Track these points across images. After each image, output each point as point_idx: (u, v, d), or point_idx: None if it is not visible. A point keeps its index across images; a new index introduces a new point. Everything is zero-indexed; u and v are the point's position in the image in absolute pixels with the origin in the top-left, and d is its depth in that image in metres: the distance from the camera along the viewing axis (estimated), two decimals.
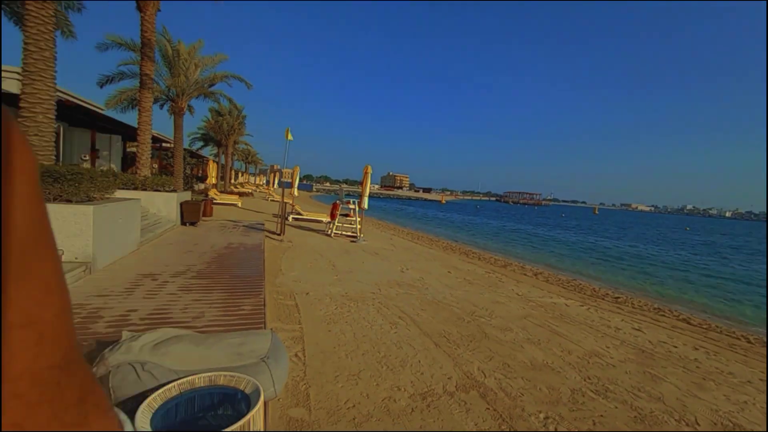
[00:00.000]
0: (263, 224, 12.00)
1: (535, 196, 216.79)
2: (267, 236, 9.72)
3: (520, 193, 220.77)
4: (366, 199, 11.45)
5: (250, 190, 33.79)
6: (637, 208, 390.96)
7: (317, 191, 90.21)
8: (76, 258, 4.83)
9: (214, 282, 4.95)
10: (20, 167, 0.24)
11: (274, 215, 17.37)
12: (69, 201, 5.03)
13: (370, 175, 11.43)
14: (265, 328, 3.63)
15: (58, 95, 14.79)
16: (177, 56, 13.92)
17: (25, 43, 5.12)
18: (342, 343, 3.90)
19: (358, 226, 12.09)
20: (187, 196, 10.72)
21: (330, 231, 12.24)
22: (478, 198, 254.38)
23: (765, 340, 6.11)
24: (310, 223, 15.53)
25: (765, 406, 3.56)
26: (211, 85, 15.70)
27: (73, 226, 4.79)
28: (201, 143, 33.67)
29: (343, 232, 12.45)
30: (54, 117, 5.46)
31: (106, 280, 4.70)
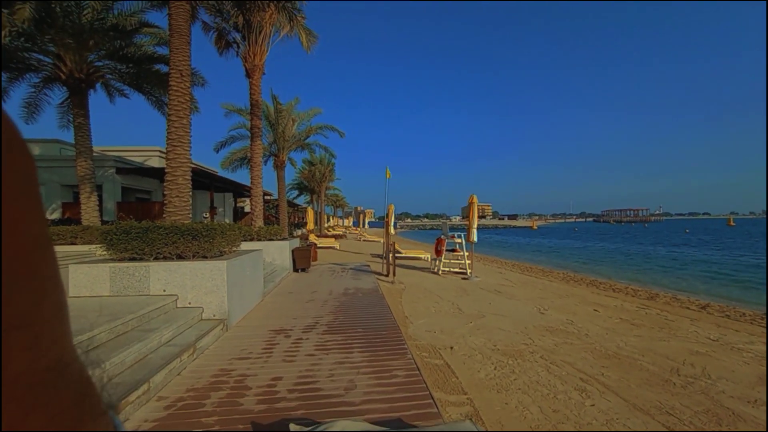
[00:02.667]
0: (369, 266, 11.68)
1: (640, 211, 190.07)
2: (378, 279, 9.23)
3: (621, 210, 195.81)
4: (475, 232, 10.44)
5: (341, 232, 35.01)
6: None
7: (401, 228, 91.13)
8: (214, 315, 4.71)
9: (349, 337, 4.38)
10: (19, 169, 0.24)
11: (372, 255, 17.21)
12: (205, 257, 5.05)
13: (476, 204, 10.48)
14: (432, 400, 2.83)
15: None
16: (278, 115, 15.14)
17: (168, 114, 5.57)
18: (534, 424, 2.90)
19: (468, 262, 11.04)
20: (296, 243, 10.94)
21: (436, 268, 11.39)
22: (572, 220, 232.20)
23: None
24: (409, 260, 14.90)
25: None
26: (306, 137, 16.73)
27: (209, 282, 4.72)
28: (296, 192, 36.45)
29: (451, 269, 11.49)
30: (190, 179, 5.76)
31: (243, 338, 4.43)
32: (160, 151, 19.17)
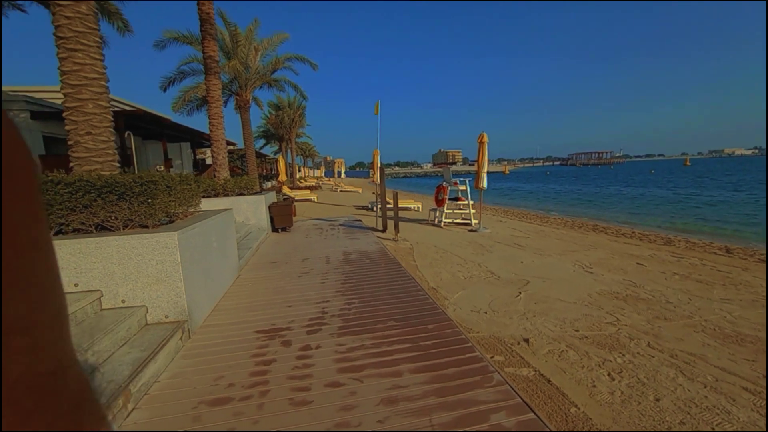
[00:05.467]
0: (360, 220, 10.09)
1: (604, 154, 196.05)
2: (377, 237, 7.70)
3: (586, 153, 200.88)
4: (485, 177, 8.94)
5: (314, 183, 32.86)
6: (733, 153, 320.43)
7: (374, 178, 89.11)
8: (166, 317, 3.03)
9: (384, 341, 2.88)
10: (19, 170, 0.24)
11: (356, 207, 15.60)
12: (144, 226, 3.25)
13: (486, 144, 8.87)
14: None
15: (125, 107, 13.72)
16: (235, 41, 12.31)
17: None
18: None
19: (472, 211, 9.68)
20: (272, 197, 9.07)
21: (437, 220, 9.99)
22: (540, 164, 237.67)
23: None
24: (400, 211, 13.42)
25: None
26: (273, 71, 14.01)
27: (153, 265, 2.97)
28: (262, 141, 33.29)
29: (454, 220, 10.13)
30: (109, 107, 3.72)
31: (215, 354, 2.82)
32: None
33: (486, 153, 8.85)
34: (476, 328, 3.47)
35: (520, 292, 4.54)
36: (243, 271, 5.11)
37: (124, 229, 3.18)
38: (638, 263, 6.32)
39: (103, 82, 3.60)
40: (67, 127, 3.46)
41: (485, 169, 8.90)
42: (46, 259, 0.26)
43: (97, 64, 3.51)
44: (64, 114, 3.46)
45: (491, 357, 2.87)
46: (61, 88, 3.43)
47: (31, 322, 0.25)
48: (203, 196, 7.25)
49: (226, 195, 7.75)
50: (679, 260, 6.68)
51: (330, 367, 2.53)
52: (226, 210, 4.70)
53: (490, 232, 8.85)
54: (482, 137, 8.82)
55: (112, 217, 3.10)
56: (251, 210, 7.69)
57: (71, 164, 3.51)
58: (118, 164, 3.77)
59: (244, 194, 7.92)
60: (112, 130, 3.71)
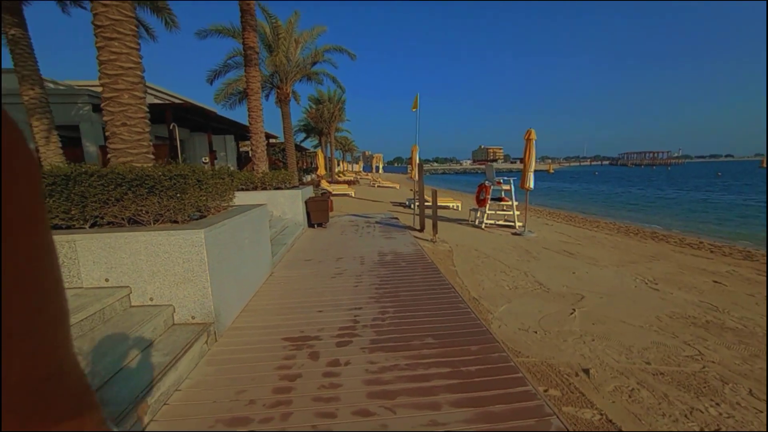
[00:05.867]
0: (397, 218, 9.78)
1: (659, 154, 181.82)
2: (414, 237, 7.35)
3: (639, 153, 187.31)
4: (531, 176, 8.30)
5: (353, 178, 32.97)
6: None
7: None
8: (192, 317, 2.90)
9: (420, 362, 2.56)
10: (21, 171, 0.24)
11: (393, 203, 15.32)
12: (175, 221, 3.14)
13: (534, 142, 8.21)
14: None
15: (174, 100, 14.20)
16: (276, 34, 12.34)
17: None
18: None
19: (517, 213, 9.07)
20: (309, 192, 8.97)
21: (478, 221, 9.46)
22: (587, 164, 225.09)
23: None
24: (438, 210, 12.97)
25: None
26: (313, 63, 13.97)
27: (179, 263, 2.84)
28: (302, 135, 33.83)
29: (496, 222, 9.56)
30: (144, 97, 3.66)
31: (240, 361, 2.64)
32: (155, 89, 16.36)
33: (533, 151, 8.20)
34: (525, 351, 3.05)
35: (575, 309, 4.03)
36: (276, 269, 4.98)
37: (155, 224, 3.08)
38: (715, 281, 5.52)
39: (138, 72, 3.53)
40: (104, 118, 3.42)
41: (532, 168, 8.26)
42: (48, 262, 0.25)
43: (132, 53, 3.44)
44: (102, 105, 3.43)
45: (545, 391, 2.46)
46: (99, 78, 3.39)
47: (32, 326, 0.24)
48: (241, 189, 7.26)
49: (264, 188, 7.73)
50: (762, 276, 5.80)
51: (359, 389, 2.25)
52: (260, 205, 4.57)
53: (536, 236, 8.22)
54: (530, 134, 8.17)
55: (143, 211, 3.01)
56: (288, 204, 7.61)
57: (108, 156, 3.48)
58: (152, 156, 3.70)
59: (281, 188, 7.86)
60: (147, 121, 3.65)
